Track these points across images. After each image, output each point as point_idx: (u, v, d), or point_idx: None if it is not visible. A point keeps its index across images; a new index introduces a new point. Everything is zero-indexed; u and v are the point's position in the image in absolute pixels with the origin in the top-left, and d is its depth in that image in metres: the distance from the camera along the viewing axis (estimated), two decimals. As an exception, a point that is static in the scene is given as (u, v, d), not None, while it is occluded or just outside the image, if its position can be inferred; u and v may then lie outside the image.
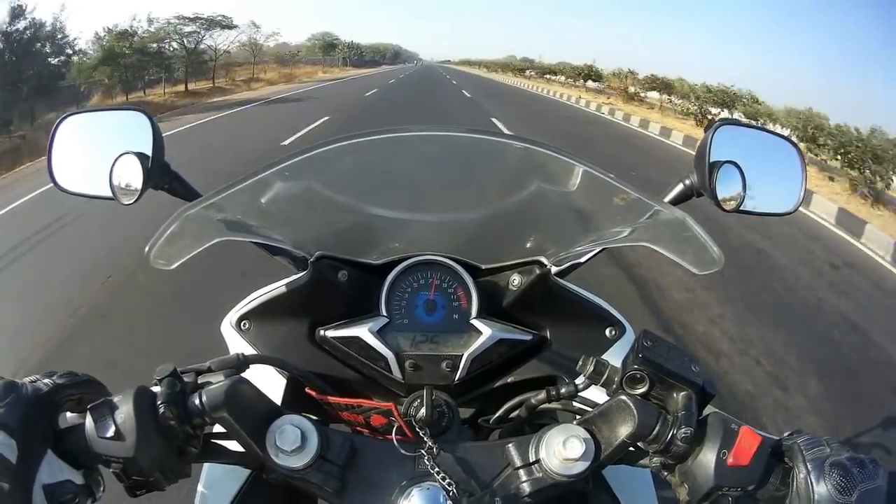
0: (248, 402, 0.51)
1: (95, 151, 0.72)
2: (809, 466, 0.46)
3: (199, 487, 0.64)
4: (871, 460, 0.46)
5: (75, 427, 0.49)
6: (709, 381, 0.52)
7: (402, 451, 0.53)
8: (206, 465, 0.65)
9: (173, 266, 0.56)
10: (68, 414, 0.51)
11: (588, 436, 0.50)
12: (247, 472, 0.63)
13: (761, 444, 0.48)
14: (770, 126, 10.39)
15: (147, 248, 0.53)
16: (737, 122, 0.73)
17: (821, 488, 0.45)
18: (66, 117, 0.75)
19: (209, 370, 0.55)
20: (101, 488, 0.51)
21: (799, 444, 0.48)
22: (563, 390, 0.58)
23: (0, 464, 0.43)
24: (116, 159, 0.69)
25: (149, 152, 0.69)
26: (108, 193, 0.70)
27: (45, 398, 0.48)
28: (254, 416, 0.50)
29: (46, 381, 0.49)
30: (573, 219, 0.68)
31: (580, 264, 0.74)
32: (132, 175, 0.68)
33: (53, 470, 0.46)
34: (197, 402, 0.49)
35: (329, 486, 0.50)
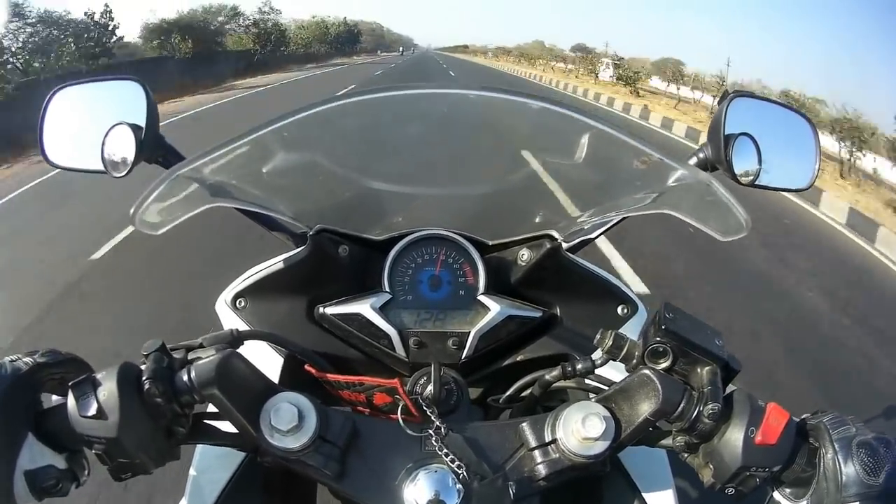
0: (240, 378, 0.46)
1: (88, 124, 0.66)
2: (837, 446, 0.43)
3: (191, 472, 0.58)
4: None
5: (57, 407, 0.44)
6: (732, 357, 0.47)
7: (408, 432, 0.48)
8: (198, 449, 0.60)
9: (160, 231, 0.50)
10: (53, 397, 0.46)
11: (608, 413, 0.45)
12: (241, 456, 0.57)
13: (788, 422, 0.44)
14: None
15: (132, 210, 0.48)
16: (750, 95, 0.69)
17: (849, 469, 0.42)
18: (58, 90, 0.70)
19: (200, 346, 0.49)
20: (86, 472, 0.46)
21: (825, 423, 0.45)
22: (579, 366, 0.53)
23: None
24: (109, 131, 0.63)
25: (143, 123, 0.64)
26: (100, 167, 0.65)
27: (25, 378, 0.43)
28: (247, 393, 0.45)
29: (27, 359, 0.44)
30: (584, 189, 0.64)
31: (590, 240, 0.69)
32: (125, 147, 0.63)
33: (35, 454, 0.42)
34: (185, 378, 0.44)
35: (329, 469, 0.45)
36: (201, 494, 0.57)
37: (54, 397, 0.46)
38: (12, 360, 0.43)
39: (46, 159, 0.69)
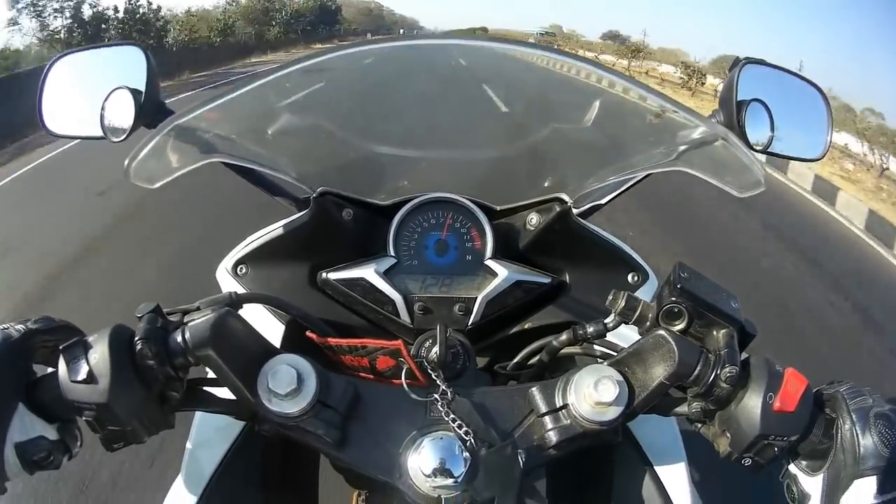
0: (237, 339, 0.44)
1: (88, 90, 0.64)
2: (854, 417, 0.42)
3: (188, 444, 0.57)
4: None
5: (48, 376, 0.42)
6: (748, 321, 0.45)
7: (413, 396, 0.46)
8: (195, 422, 0.58)
9: (155, 185, 0.48)
10: (47, 369, 0.44)
11: (621, 378, 0.44)
12: (239, 427, 0.56)
13: (807, 389, 0.42)
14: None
15: (127, 161, 0.46)
16: (762, 62, 0.67)
17: (867, 441, 0.41)
18: (59, 57, 0.68)
19: (197, 310, 0.47)
20: (78, 444, 0.44)
21: (842, 393, 0.43)
22: (590, 329, 0.51)
23: None
24: (108, 96, 0.62)
25: (143, 88, 0.63)
26: (99, 133, 0.63)
27: (16, 345, 0.41)
28: (244, 355, 0.43)
29: (19, 326, 0.42)
30: (595, 149, 0.62)
31: (601, 206, 0.67)
32: (124, 112, 0.61)
33: (26, 425, 0.40)
34: (179, 339, 0.42)
35: (329, 436, 0.43)
36: (199, 467, 0.55)
37: (49, 370, 0.44)
38: (3, 328, 0.42)
39: (45, 128, 0.68)
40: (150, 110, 0.63)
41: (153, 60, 0.64)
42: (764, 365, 0.43)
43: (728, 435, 0.43)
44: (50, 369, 0.44)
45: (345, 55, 0.48)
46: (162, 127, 0.47)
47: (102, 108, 0.62)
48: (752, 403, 0.42)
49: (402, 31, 58.38)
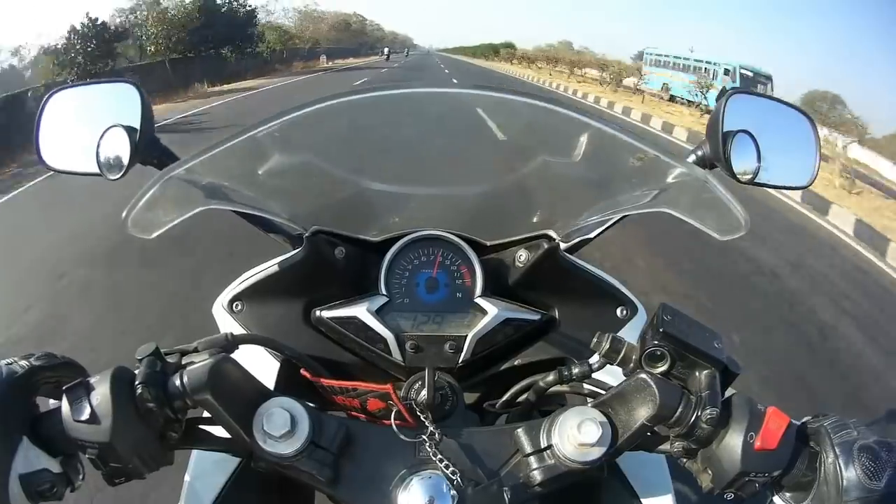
0: (233, 383, 0.45)
1: (83, 126, 0.65)
2: (838, 451, 0.42)
3: (186, 477, 0.57)
4: None
5: (51, 412, 0.43)
6: (732, 360, 0.46)
7: (402, 437, 0.47)
8: (193, 455, 0.59)
9: (153, 235, 0.49)
10: (50, 401, 0.45)
11: (604, 419, 0.44)
12: (236, 461, 0.57)
13: (788, 427, 0.43)
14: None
15: (124, 214, 0.47)
16: (749, 92, 0.67)
17: (850, 473, 0.41)
18: (54, 92, 0.69)
19: (195, 351, 0.49)
20: (80, 477, 0.45)
21: (826, 427, 0.44)
22: (575, 370, 0.51)
23: None
24: (104, 133, 0.62)
25: (138, 126, 0.63)
26: (96, 169, 0.64)
27: (21, 381, 0.42)
28: (240, 398, 0.44)
29: (22, 363, 0.44)
30: (582, 187, 0.62)
31: (589, 240, 0.67)
32: (120, 149, 0.62)
33: (30, 458, 0.42)
34: (178, 382, 0.43)
35: (322, 475, 0.44)
36: (197, 500, 0.56)
37: (51, 401, 0.45)
38: (8, 364, 0.43)
39: (42, 162, 0.68)
40: (145, 147, 0.63)
41: (147, 97, 0.65)
42: (745, 404, 0.44)
43: (710, 472, 0.44)
44: (51, 401, 0.45)
45: (333, 105, 0.49)
46: (157, 179, 0.48)
47: (98, 146, 0.63)
48: (732, 442, 0.43)
49: (386, 49, 44.45)
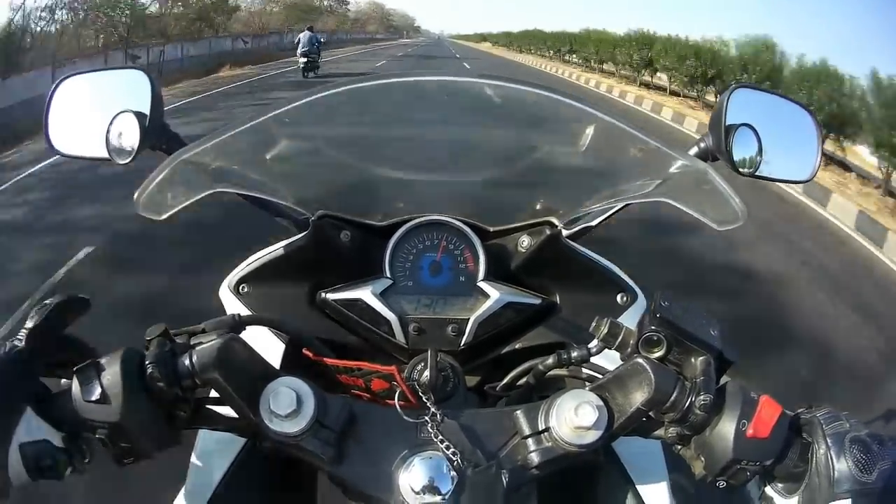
0: (241, 362, 0.45)
1: (93, 112, 0.65)
2: (829, 442, 0.42)
3: (192, 459, 0.58)
4: (891, 438, 0.42)
5: (62, 392, 0.44)
6: (728, 347, 0.46)
7: (405, 418, 0.47)
8: (199, 437, 0.59)
9: (163, 217, 0.50)
10: (62, 381, 0.46)
11: (601, 403, 0.45)
12: (241, 442, 0.57)
13: (781, 416, 0.43)
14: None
15: (136, 195, 0.47)
16: (753, 86, 0.67)
17: (841, 465, 0.41)
18: (64, 79, 0.69)
19: (203, 332, 0.49)
20: (84, 460, 0.45)
21: (818, 418, 0.44)
22: (574, 354, 0.52)
23: None
24: (113, 118, 0.62)
25: (147, 111, 0.63)
26: (105, 154, 0.64)
27: (25, 354, 0.42)
28: (247, 377, 0.45)
29: (26, 339, 0.43)
30: (585, 176, 0.63)
31: (591, 228, 0.68)
32: (129, 134, 0.62)
33: (31, 428, 0.42)
34: (187, 362, 0.43)
35: (325, 454, 0.44)
36: (202, 481, 0.57)
37: (62, 381, 0.46)
38: (12, 341, 0.43)
39: (51, 147, 0.69)
40: (155, 133, 0.64)
41: (156, 83, 0.65)
42: (739, 392, 0.44)
43: (702, 458, 0.45)
44: (63, 381, 0.46)
45: (342, 92, 0.49)
46: (168, 163, 0.48)
47: (108, 131, 0.63)
48: (725, 430, 0.43)
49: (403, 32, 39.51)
